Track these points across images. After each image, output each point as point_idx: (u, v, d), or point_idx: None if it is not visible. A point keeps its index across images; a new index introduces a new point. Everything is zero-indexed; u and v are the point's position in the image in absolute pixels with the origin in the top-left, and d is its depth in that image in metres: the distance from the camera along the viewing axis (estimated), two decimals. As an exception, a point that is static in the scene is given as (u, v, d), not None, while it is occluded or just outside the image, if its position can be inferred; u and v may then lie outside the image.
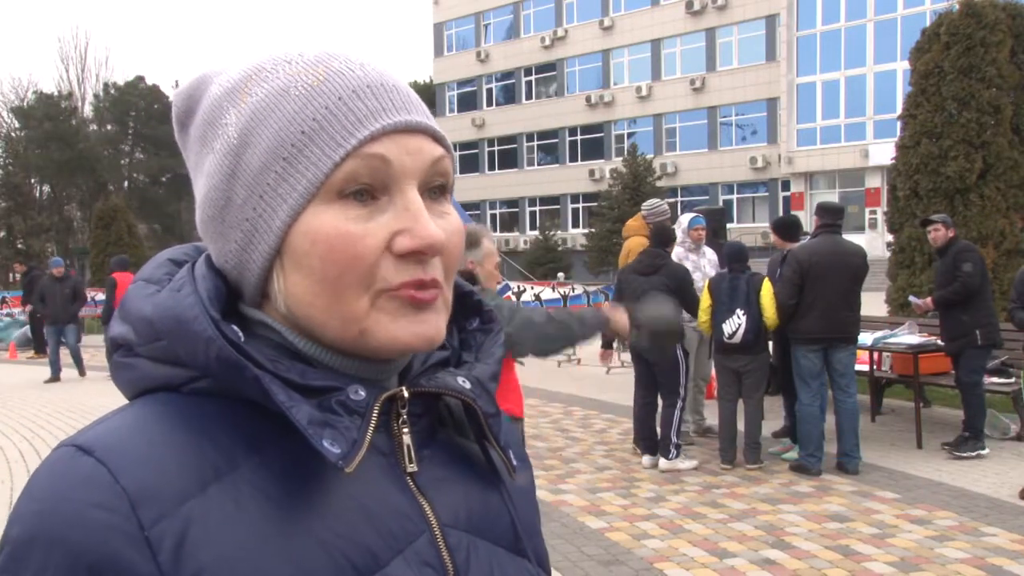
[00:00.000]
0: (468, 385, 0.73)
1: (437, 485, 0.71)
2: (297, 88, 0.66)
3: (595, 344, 14.32)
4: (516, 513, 0.77)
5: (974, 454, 6.57)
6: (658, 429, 6.61)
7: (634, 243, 7.42)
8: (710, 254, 7.54)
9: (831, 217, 6.48)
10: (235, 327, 0.66)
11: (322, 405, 0.65)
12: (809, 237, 6.83)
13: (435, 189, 0.69)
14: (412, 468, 0.70)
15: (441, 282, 0.68)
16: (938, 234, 6.77)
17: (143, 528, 0.58)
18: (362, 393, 0.67)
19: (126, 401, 0.69)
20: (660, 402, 6.62)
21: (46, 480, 0.61)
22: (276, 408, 0.63)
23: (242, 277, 0.69)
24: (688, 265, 7.11)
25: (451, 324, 0.78)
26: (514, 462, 0.77)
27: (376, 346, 0.67)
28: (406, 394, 0.70)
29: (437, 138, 0.69)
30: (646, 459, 6.67)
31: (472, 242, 3.26)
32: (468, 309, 0.81)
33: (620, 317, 3.15)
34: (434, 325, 0.68)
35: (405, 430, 0.70)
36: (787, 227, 7.08)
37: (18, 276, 18.80)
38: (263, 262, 0.67)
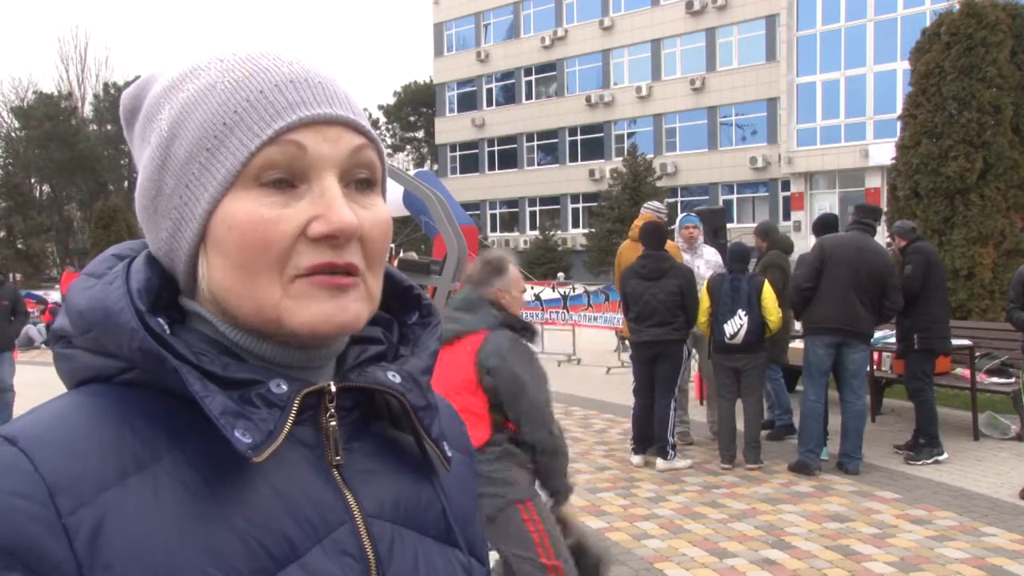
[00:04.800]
0: (398, 380, 0.74)
1: (364, 477, 0.72)
2: (224, 83, 0.69)
3: (595, 344, 14.19)
4: (448, 504, 0.78)
5: (931, 461, 6.45)
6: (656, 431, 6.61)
7: (624, 247, 7.27)
8: (708, 254, 7.49)
9: (867, 216, 6.48)
10: (161, 320, 0.68)
11: (243, 397, 0.67)
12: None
13: (361, 181, 0.71)
14: (338, 460, 0.71)
15: (360, 268, 0.69)
16: (890, 245, 6.91)
17: (60, 516, 0.60)
18: (284, 387, 0.68)
19: None
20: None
21: None
22: (192, 397, 0.64)
23: (173, 265, 0.71)
24: None
25: (392, 319, 0.80)
26: (448, 454, 0.77)
27: (290, 332, 0.68)
28: (333, 388, 0.71)
29: (361, 131, 0.70)
30: (637, 458, 6.68)
31: (499, 269, 3.11)
32: (408, 304, 0.82)
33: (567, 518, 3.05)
34: (352, 312, 0.69)
35: (332, 423, 0.71)
36: (825, 225, 6.88)
37: None
38: (189, 249, 0.69)
